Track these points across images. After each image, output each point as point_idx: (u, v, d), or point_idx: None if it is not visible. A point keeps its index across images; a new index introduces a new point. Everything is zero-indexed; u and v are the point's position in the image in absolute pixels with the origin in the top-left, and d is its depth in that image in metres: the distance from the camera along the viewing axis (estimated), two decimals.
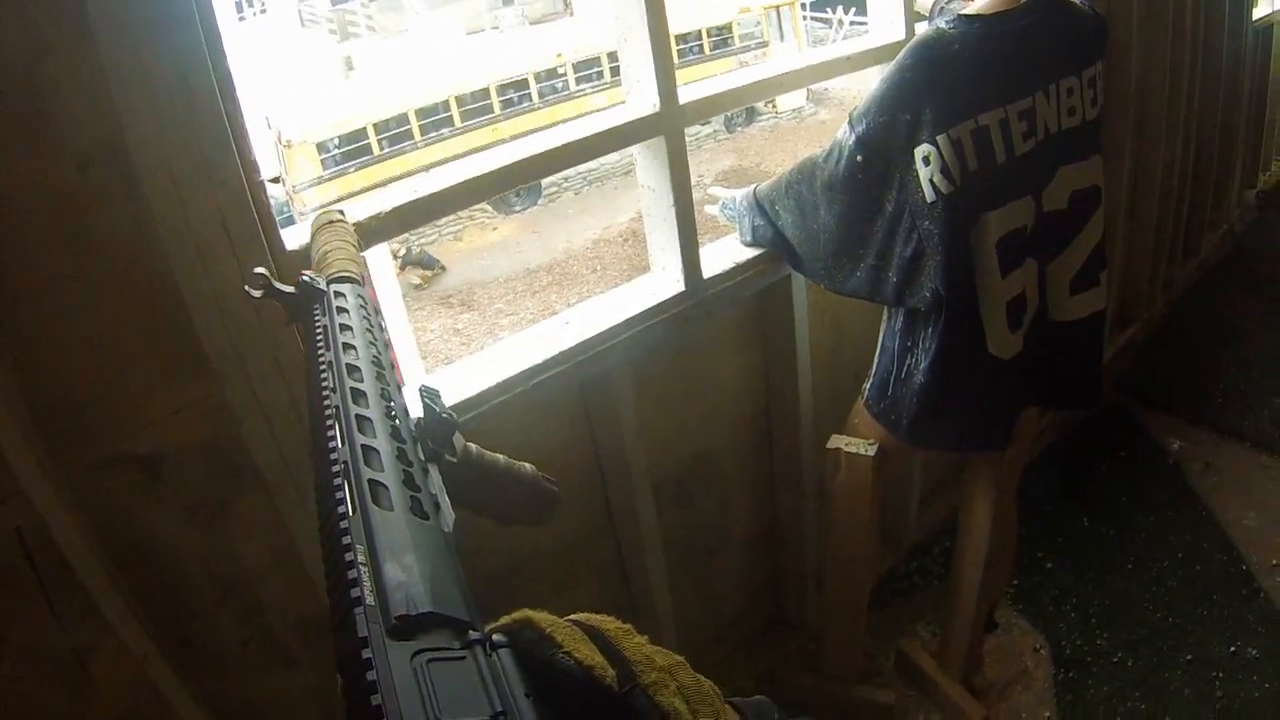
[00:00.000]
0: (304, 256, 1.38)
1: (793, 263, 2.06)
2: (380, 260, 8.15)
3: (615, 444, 2.05)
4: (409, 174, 12.81)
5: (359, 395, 0.71)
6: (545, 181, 14.77)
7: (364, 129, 13.82)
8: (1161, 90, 3.48)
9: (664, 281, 2.01)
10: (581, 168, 14.83)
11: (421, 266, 13.43)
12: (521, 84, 14.82)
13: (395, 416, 0.72)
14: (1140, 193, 3.63)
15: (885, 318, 2.02)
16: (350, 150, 13.85)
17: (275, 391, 1.40)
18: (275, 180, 14.72)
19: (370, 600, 0.48)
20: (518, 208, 14.90)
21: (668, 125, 1.85)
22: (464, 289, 13.51)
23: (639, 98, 1.83)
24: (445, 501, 0.66)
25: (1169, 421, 3.72)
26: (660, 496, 2.21)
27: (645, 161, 1.94)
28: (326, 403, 0.70)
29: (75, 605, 1.33)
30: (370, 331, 0.85)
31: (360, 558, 0.52)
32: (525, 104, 14.76)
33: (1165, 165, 3.68)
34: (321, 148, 13.75)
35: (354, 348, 0.80)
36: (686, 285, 1.99)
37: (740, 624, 2.76)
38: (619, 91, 1.93)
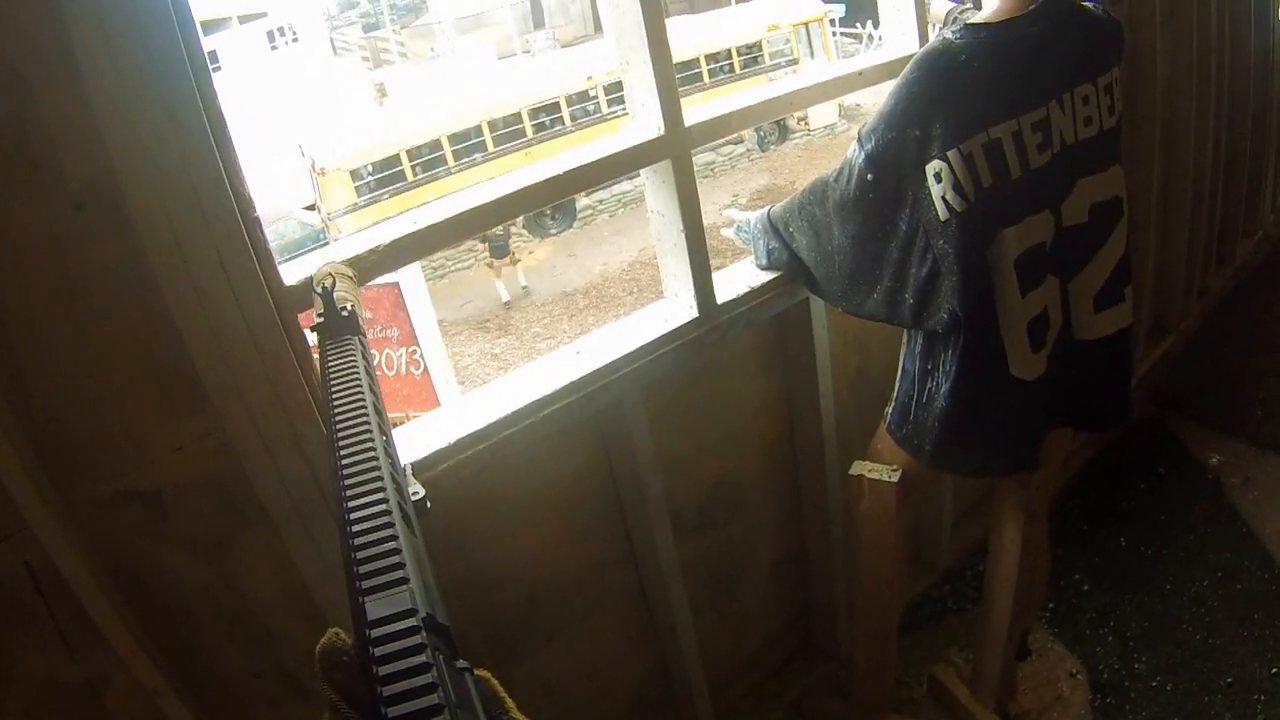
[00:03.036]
0: (304, 291, 1.38)
1: (809, 285, 2.01)
2: (417, 286, 8.20)
3: (631, 472, 2.01)
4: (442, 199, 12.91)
5: (386, 434, 0.73)
6: (581, 204, 14.83)
7: (397, 155, 13.93)
8: (1189, 93, 3.38)
9: (677, 307, 1.98)
10: (615, 190, 14.90)
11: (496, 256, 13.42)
12: (553, 107, 14.86)
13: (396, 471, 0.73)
14: (1171, 200, 3.53)
15: (905, 340, 1.97)
16: (384, 177, 13.96)
17: (277, 426, 1.39)
18: (311, 208, 14.90)
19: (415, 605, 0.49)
20: (553, 230, 14.94)
21: (674, 149, 1.82)
22: (500, 313, 13.54)
23: (643, 122, 1.81)
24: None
25: (1207, 435, 3.59)
26: (680, 524, 2.18)
27: (654, 186, 1.91)
28: (367, 428, 0.71)
29: (86, 638, 1.34)
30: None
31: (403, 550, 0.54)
32: (557, 127, 14.79)
33: (1195, 171, 3.57)
34: (355, 175, 13.86)
35: (375, 394, 0.82)
36: (699, 311, 1.96)
37: (768, 652, 2.70)
38: None
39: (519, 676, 2.05)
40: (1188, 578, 2.97)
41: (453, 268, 14.24)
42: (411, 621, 0.47)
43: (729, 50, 16.16)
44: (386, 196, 13.73)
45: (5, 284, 1.18)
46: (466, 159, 14.22)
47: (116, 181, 1.18)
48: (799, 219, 1.94)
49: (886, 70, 2.18)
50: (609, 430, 1.97)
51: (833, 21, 18.31)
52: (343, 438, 0.70)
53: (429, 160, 14.15)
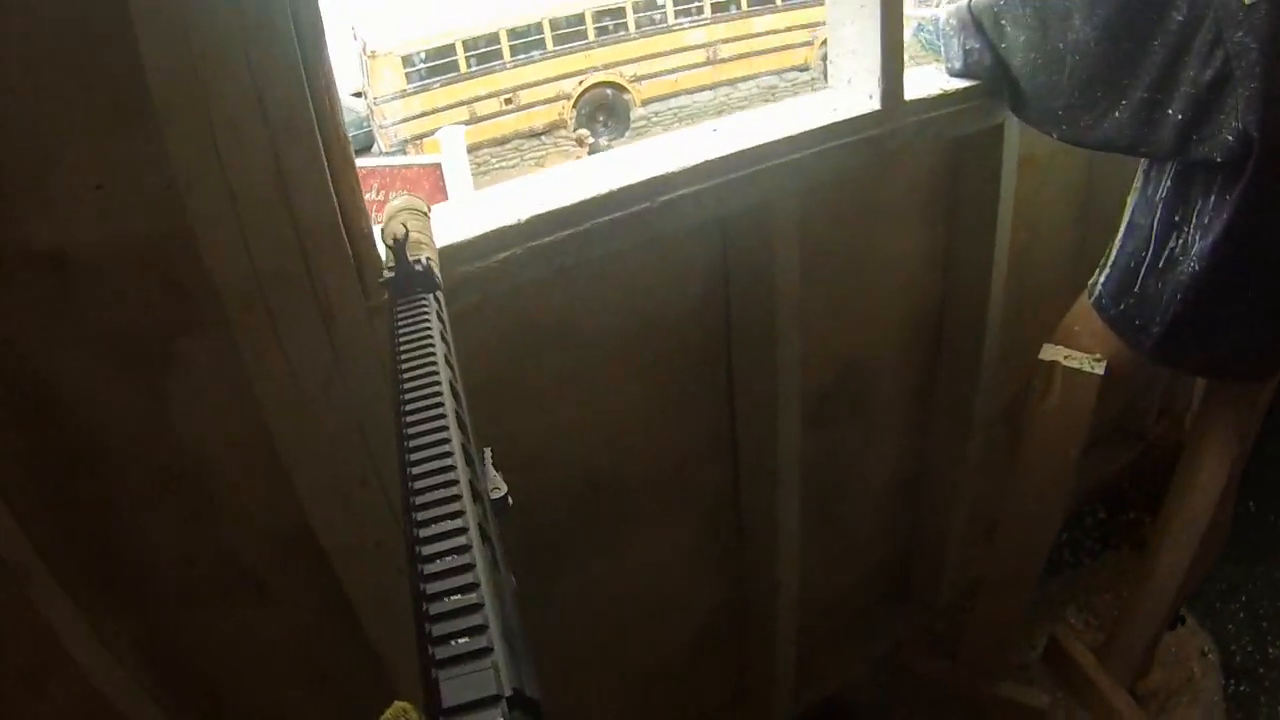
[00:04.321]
0: None
1: (1014, 102, 1.60)
2: (461, 170, 7.76)
3: (763, 321, 1.52)
4: (495, 93, 12.48)
5: (464, 427, 0.61)
6: (635, 115, 14.33)
7: (452, 45, 13.48)
8: None
9: (851, 97, 1.48)
10: (673, 103, 14.38)
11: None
12: (619, 12, 14.33)
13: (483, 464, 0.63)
14: None
15: (1140, 183, 1.54)
16: (436, 65, 13.55)
17: (250, 154, 0.90)
18: (358, 94, 14.50)
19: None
20: (605, 138, 14.50)
21: None
22: None
23: None
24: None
25: None
26: (800, 412, 1.71)
27: None
28: (440, 410, 0.61)
29: None
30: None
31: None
32: (621, 32, 14.27)
33: None
34: (407, 61, 13.48)
35: (452, 368, 0.68)
36: (883, 104, 1.45)
37: (858, 593, 2.27)
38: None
39: (560, 592, 1.64)
40: None
41: (496, 165, 13.80)
42: (494, 716, 0.38)
43: None
44: (437, 85, 13.31)
45: None
46: (524, 55, 13.72)
47: None
48: (1019, 7, 1.51)
49: None
50: (741, 248, 1.48)
51: None
52: (415, 445, 0.57)
53: (484, 53, 13.69)
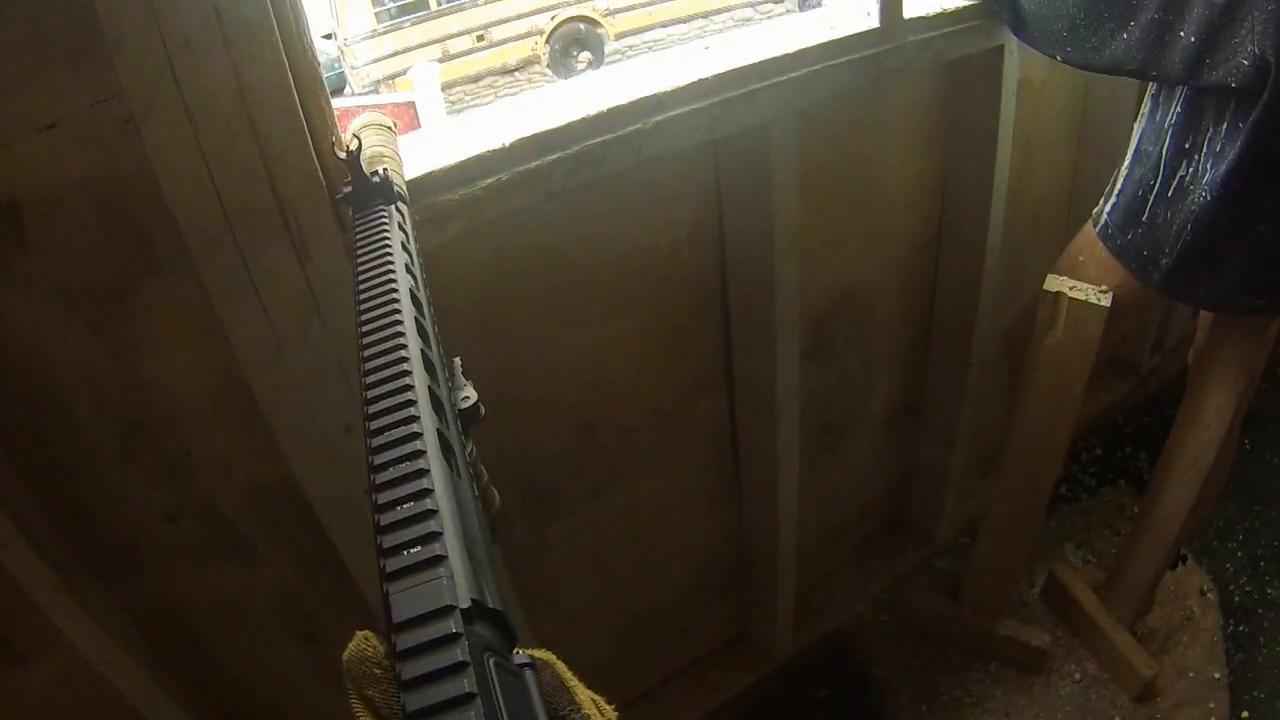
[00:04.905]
0: None
1: (1014, 21, 1.50)
2: (435, 107, 7.59)
3: (758, 248, 1.45)
4: (467, 30, 12.19)
5: (422, 331, 0.59)
6: (609, 49, 14.09)
7: None
8: None
9: (848, 13, 1.39)
10: (647, 37, 14.14)
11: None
12: None
13: (451, 374, 0.62)
14: None
15: (1149, 108, 1.46)
16: (406, 4, 13.24)
17: (209, 76, 0.82)
18: (328, 36, 14.13)
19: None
20: (580, 70, 14.26)
21: None
22: None
23: None
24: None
25: None
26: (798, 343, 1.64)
27: None
28: (394, 316, 0.59)
29: None
30: (422, 268, 0.71)
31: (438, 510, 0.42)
32: None
33: None
34: (376, 1, 13.16)
35: (414, 276, 0.66)
36: (882, 21, 1.37)
37: (859, 525, 2.24)
38: None
39: (556, 536, 1.60)
40: None
41: (470, 103, 13.54)
42: (448, 627, 0.36)
43: None
44: (408, 24, 12.99)
45: None
46: None
47: None
48: None
49: None
50: (736, 173, 1.41)
51: None
52: (369, 354, 0.55)
53: None
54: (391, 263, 0.66)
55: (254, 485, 1.13)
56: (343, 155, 0.78)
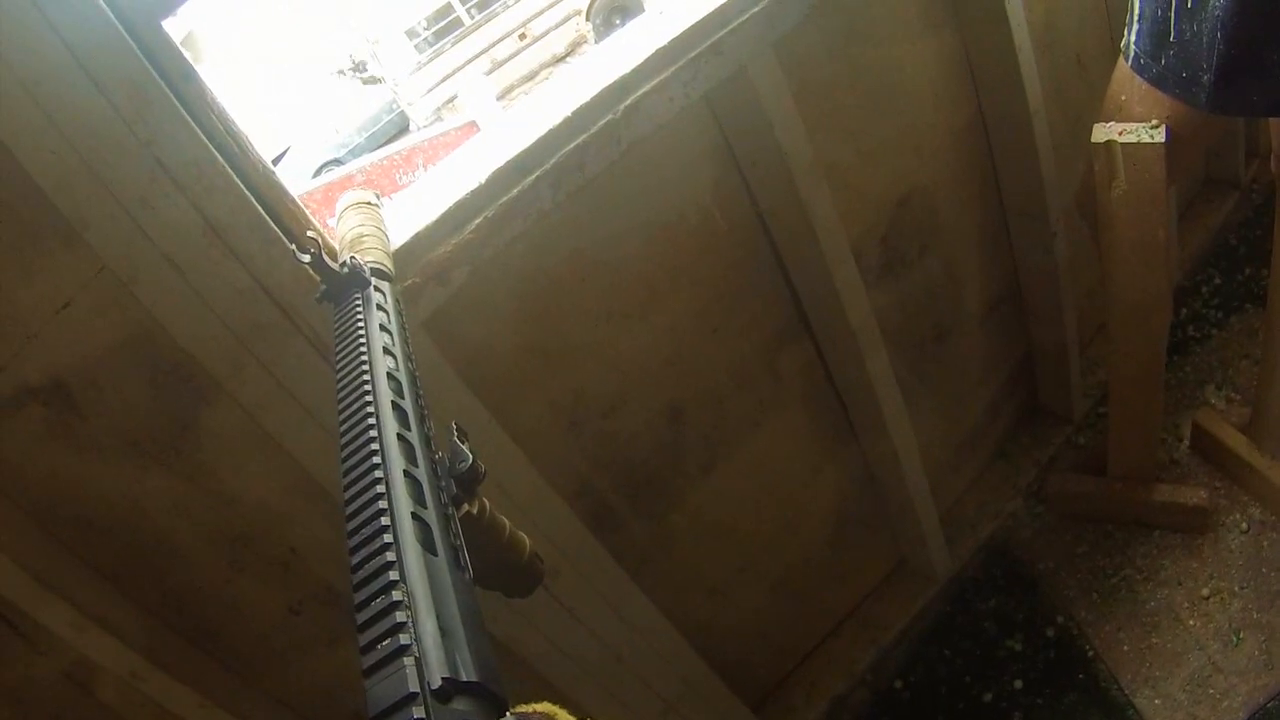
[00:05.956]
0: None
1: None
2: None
3: (783, 188, 1.40)
4: (507, 33, 12.19)
5: (400, 413, 0.60)
6: (650, 6, 13.91)
7: (448, 2, 13.23)
8: None
9: None
10: None
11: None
12: None
13: (435, 447, 0.61)
14: None
15: None
16: (440, 28, 13.32)
17: (174, 223, 0.86)
18: (376, 81, 14.28)
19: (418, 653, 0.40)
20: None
21: None
22: None
23: None
24: (465, 556, 0.54)
25: None
26: (862, 266, 1.58)
27: None
28: (365, 412, 0.59)
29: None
30: (407, 342, 0.72)
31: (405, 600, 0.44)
32: None
33: None
34: (410, 34, 13.28)
35: (394, 355, 0.67)
36: None
37: (991, 425, 2.15)
38: None
39: (679, 523, 1.58)
40: None
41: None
42: (410, 715, 0.36)
43: None
44: (449, 46, 12.98)
45: None
46: None
47: None
48: None
49: None
50: (734, 121, 1.35)
51: None
52: (343, 445, 0.57)
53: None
54: (363, 353, 0.66)
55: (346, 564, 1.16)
56: (306, 259, 0.77)
